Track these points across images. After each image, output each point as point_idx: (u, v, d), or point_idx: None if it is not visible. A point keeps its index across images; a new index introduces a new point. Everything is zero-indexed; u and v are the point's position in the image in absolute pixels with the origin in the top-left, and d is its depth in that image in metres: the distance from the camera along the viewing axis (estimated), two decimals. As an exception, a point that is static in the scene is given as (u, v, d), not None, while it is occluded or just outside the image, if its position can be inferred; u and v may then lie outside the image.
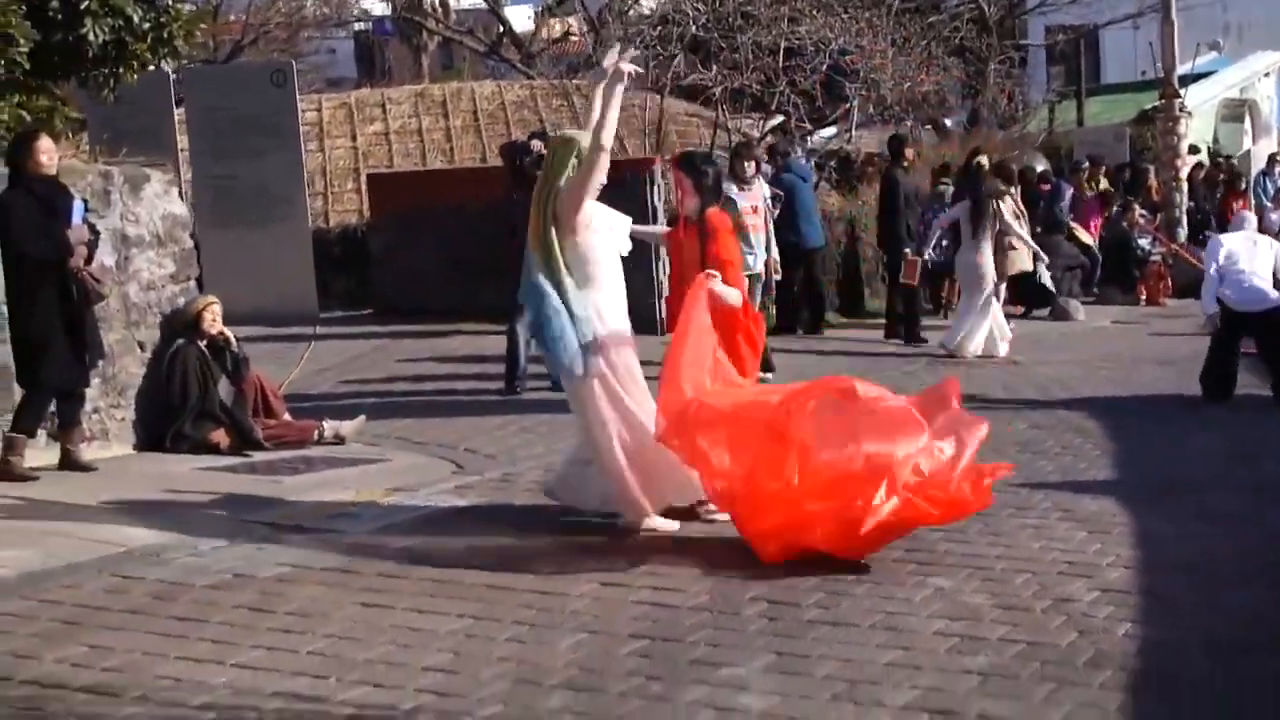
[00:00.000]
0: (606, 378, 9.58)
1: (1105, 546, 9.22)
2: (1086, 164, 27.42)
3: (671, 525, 9.70)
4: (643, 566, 8.83)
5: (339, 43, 60.39)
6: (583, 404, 9.72)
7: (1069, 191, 26.53)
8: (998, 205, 18.91)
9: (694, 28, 27.31)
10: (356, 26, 61.30)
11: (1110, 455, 12.36)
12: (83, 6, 12.30)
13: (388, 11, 57.18)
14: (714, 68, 26.66)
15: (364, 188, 26.30)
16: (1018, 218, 22.41)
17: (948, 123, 36.37)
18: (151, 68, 13.79)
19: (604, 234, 9.70)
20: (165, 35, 12.98)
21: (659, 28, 28.52)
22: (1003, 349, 18.59)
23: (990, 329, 18.63)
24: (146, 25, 12.80)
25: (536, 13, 48.81)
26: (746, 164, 17.28)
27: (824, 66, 27.09)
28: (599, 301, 9.61)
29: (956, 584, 8.39)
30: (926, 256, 20.33)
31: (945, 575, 8.57)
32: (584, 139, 9.66)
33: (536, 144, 15.42)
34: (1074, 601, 8.04)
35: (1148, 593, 8.27)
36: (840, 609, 7.97)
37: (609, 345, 9.59)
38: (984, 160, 21.01)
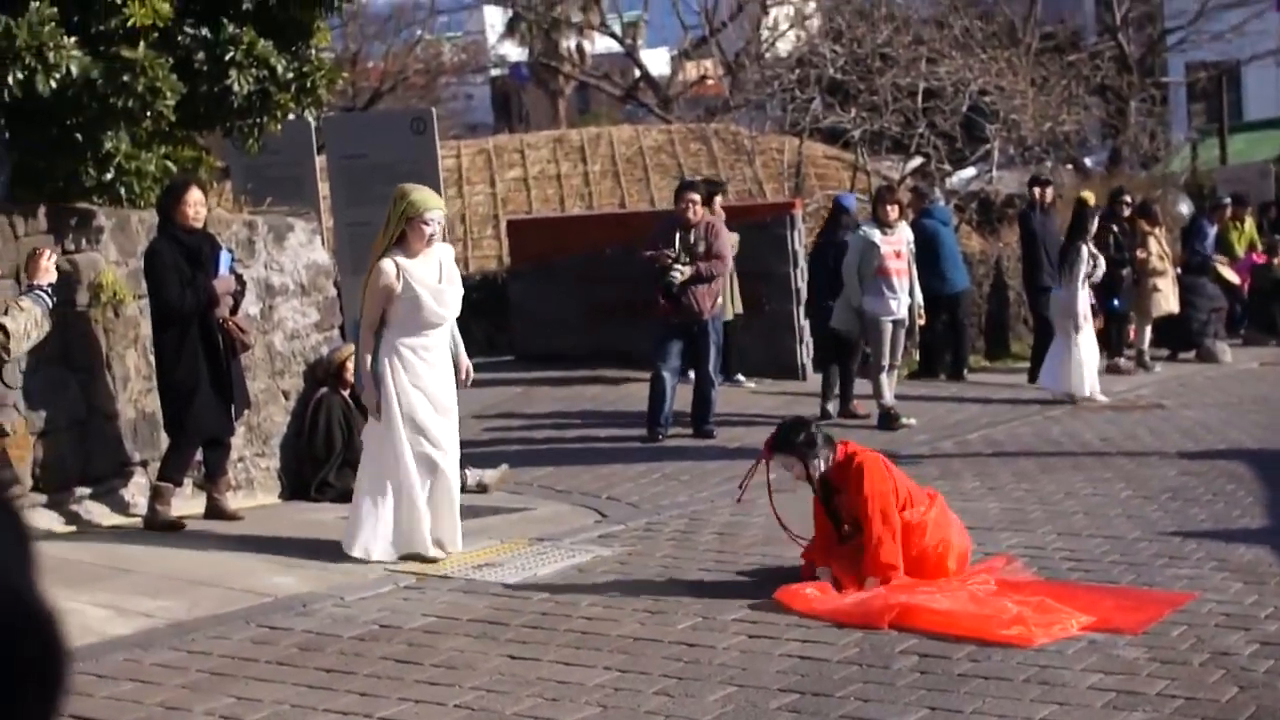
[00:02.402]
0: (393, 420, 10.20)
1: (1263, 598, 9.01)
2: (1228, 201, 26.96)
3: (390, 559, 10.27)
4: (790, 617, 8.75)
5: (476, 89, 61.03)
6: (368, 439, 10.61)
7: (1212, 230, 26.16)
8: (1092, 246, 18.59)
9: (831, 70, 27.32)
10: (493, 72, 61.92)
11: (1264, 502, 12.08)
12: (228, 58, 12.40)
13: (524, 57, 57.75)
14: (852, 110, 26.61)
15: (503, 233, 26.43)
16: (1162, 258, 22.18)
17: (1088, 162, 36.10)
18: (293, 117, 13.89)
19: (415, 296, 10.22)
20: (309, 85, 13.06)
21: (796, 70, 28.55)
22: (1086, 389, 18.21)
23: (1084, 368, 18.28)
24: (290, 75, 12.88)
25: (673, 56, 49.02)
26: (889, 208, 17.13)
27: (963, 107, 26.98)
28: (411, 345, 10.28)
29: (1109, 637, 8.23)
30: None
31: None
32: (416, 195, 10.35)
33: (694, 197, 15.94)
34: (1232, 655, 7.87)
35: (1308, 646, 8.08)
36: (991, 662, 7.85)
37: (406, 387, 10.21)
38: (1088, 195, 20.76)
